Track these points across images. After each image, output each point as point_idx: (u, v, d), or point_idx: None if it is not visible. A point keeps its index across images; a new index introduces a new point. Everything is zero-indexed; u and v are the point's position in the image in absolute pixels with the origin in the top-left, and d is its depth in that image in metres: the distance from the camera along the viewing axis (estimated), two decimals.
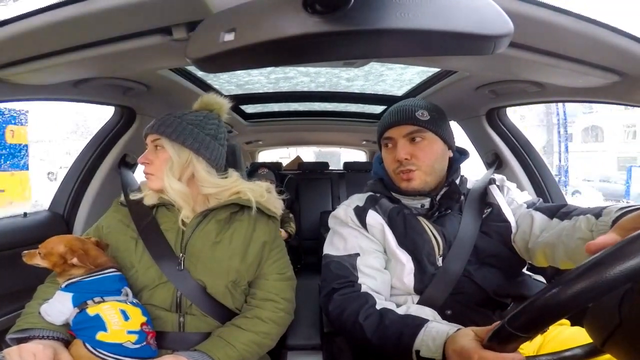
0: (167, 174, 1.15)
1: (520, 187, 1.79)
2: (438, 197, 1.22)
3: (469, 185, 1.30)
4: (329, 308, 1.13)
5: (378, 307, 1.05)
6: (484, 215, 1.21)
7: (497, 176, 1.34)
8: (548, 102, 1.61)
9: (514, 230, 1.19)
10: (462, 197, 1.24)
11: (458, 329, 0.86)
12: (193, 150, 1.16)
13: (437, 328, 0.90)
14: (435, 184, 1.22)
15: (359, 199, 1.29)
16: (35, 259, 1.06)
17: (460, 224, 1.19)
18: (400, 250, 1.16)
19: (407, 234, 1.17)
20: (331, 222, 1.31)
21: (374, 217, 1.22)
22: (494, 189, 1.28)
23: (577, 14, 0.80)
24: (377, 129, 1.29)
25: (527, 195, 1.30)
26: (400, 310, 1.02)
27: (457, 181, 1.25)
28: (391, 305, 1.06)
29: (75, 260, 1.03)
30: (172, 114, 1.19)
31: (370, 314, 1.04)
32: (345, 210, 1.27)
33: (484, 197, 1.25)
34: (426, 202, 1.22)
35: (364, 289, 1.11)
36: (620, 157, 19.70)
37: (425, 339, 0.89)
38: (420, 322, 0.94)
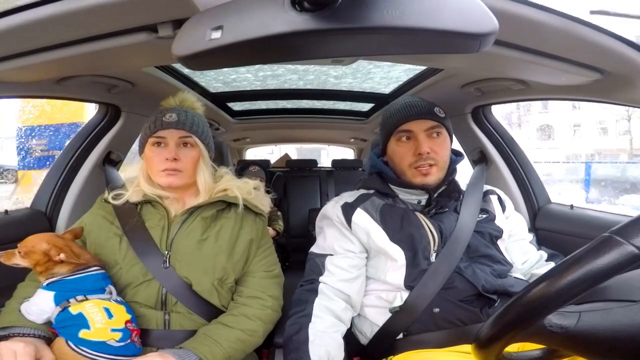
0: (203, 170, 1.21)
1: (505, 183, 1.82)
2: (435, 194, 1.23)
3: (462, 186, 1.33)
4: (292, 299, 1.23)
5: (313, 318, 1.12)
6: (478, 219, 1.23)
7: (497, 190, 1.39)
8: (532, 100, 1.63)
9: (504, 237, 1.26)
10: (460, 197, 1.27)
11: None
12: (210, 149, 1.24)
13: None
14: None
15: (349, 196, 1.30)
16: (14, 258, 1.03)
17: (458, 222, 1.21)
18: (392, 244, 1.17)
19: (403, 228, 1.18)
20: (318, 219, 1.33)
21: (361, 217, 1.22)
22: (494, 199, 1.33)
23: (561, 12, 0.81)
24: (388, 121, 1.28)
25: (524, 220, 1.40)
26: (316, 334, 1.08)
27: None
28: (320, 321, 1.12)
29: (62, 256, 1.01)
30: (187, 111, 1.22)
31: (296, 320, 1.13)
32: (333, 207, 1.28)
33: (481, 201, 1.29)
34: (423, 198, 1.24)
35: (320, 286, 1.19)
36: (568, 154, 21.19)
37: None
38: (303, 357, 1.04)
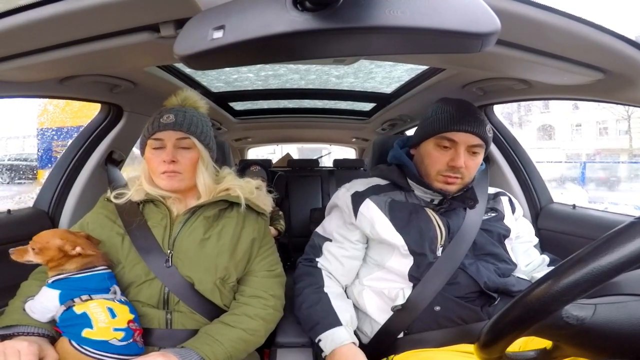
0: (203, 171, 1.20)
1: (507, 183, 1.82)
2: (450, 196, 1.23)
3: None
4: (294, 274, 1.35)
5: (325, 289, 1.25)
6: (485, 217, 1.25)
7: (509, 193, 1.40)
8: (534, 100, 1.63)
9: (512, 237, 1.27)
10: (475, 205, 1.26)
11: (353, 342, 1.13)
12: (210, 150, 1.22)
13: (339, 333, 1.13)
14: None
15: (361, 184, 1.32)
16: (27, 255, 1.03)
17: (465, 219, 1.21)
18: (396, 234, 1.18)
19: (410, 220, 1.19)
20: (331, 202, 1.40)
21: (368, 207, 1.23)
22: (505, 200, 1.34)
23: (564, 12, 0.81)
24: (437, 122, 1.21)
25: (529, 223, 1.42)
26: (338, 301, 1.22)
27: None
28: (334, 291, 1.26)
29: (79, 249, 1.02)
30: (186, 111, 1.20)
31: (313, 293, 1.24)
32: (344, 194, 1.31)
33: (486, 200, 1.30)
34: (437, 198, 1.25)
35: (319, 267, 1.31)
36: (568, 154, 21.34)
37: (328, 335, 1.13)
38: (334, 322, 1.15)
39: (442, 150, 1.21)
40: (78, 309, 0.98)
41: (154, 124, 1.17)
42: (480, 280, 1.12)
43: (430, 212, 1.22)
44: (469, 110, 1.21)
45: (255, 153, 5.12)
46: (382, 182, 1.31)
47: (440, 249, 1.17)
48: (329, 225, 1.34)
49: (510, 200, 1.36)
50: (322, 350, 1.13)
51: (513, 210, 1.34)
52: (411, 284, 1.15)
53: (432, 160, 1.22)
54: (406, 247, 1.16)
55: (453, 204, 1.23)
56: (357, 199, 1.26)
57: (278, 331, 1.30)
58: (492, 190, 1.38)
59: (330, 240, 1.31)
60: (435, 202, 1.25)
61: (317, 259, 1.31)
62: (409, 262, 1.16)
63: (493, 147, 1.86)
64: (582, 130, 22.82)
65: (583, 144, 22.16)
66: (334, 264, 1.29)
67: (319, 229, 1.38)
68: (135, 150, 1.37)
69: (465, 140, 1.18)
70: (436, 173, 1.21)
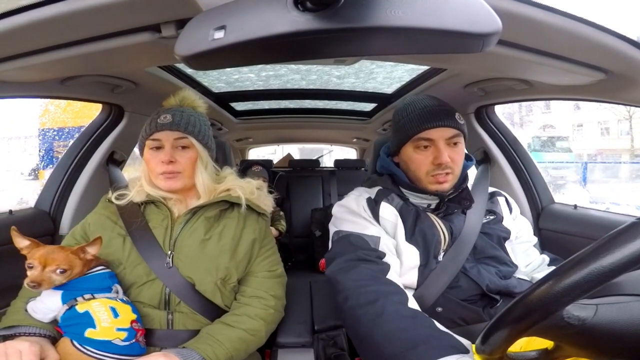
0: (202, 171, 1.20)
1: (508, 183, 1.82)
2: (446, 199, 1.22)
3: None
4: (350, 276, 1.03)
5: (411, 302, 0.97)
6: (485, 220, 1.24)
7: (504, 192, 1.39)
8: (536, 100, 1.62)
9: (512, 238, 1.26)
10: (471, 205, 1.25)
11: None
12: (209, 149, 1.22)
13: None
14: None
15: (368, 192, 1.28)
16: (52, 281, 0.97)
17: (465, 222, 1.21)
18: (407, 245, 1.16)
19: (416, 228, 1.18)
20: (339, 210, 1.25)
21: (387, 209, 1.21)
22: (501, 201, 1.33)
23: (565, 12, 0.81)
24: (407, 126, 1.20)
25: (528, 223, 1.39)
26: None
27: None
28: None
29: (92, 252, 1.03)
30: (184, 110, 1.20)
31: (397, 304, 0.95)
32: (356, 201, 1.24)
33: (486, 202, 1.29)
34: (433, 202, 1.23)
35: (392, 274, 1.05)
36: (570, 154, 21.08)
37: None
38: (457, 346, 0.80)
39: (422, 151, 1.19)
40: (80, 307, 0.98)
41: (151, 124, 1.17)
42: (482, 283, 1.12)
43: (432, 216, 1.21)
44: (434, 104, 1.20)
45: (256, 153, 5.13)
46: (385, 189, 1.28)
47: (443, 253, 1.17)
48: (366, 228, 1.16)
49: (506, 199, 1.35)
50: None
51: (510, 210, 1.33)
52: (412, 291, 1.15)
53: (416, 164, 1.21)
54: (418, 260, 1.14)
55: (450, 207, 1.22)
56: (373, 205, 1.22)
57: (279, 331, 1.30)
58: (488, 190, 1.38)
59: (380, 237, 1.14)
60: (432, 206, 1.24)
61: (383, 258, 1.09)
62: (415, 271, 1.15)
63: (494, 148, 1.86)
64: (583, 130, 22.83)
65: (584, 144, 22.16)
66: (394, 257, 1.13)
67: (350, 229, 1.17)
68: (137, 150, 1.38)
69: (441, 135, 1.16)
70: (426, 175, 1.20)
